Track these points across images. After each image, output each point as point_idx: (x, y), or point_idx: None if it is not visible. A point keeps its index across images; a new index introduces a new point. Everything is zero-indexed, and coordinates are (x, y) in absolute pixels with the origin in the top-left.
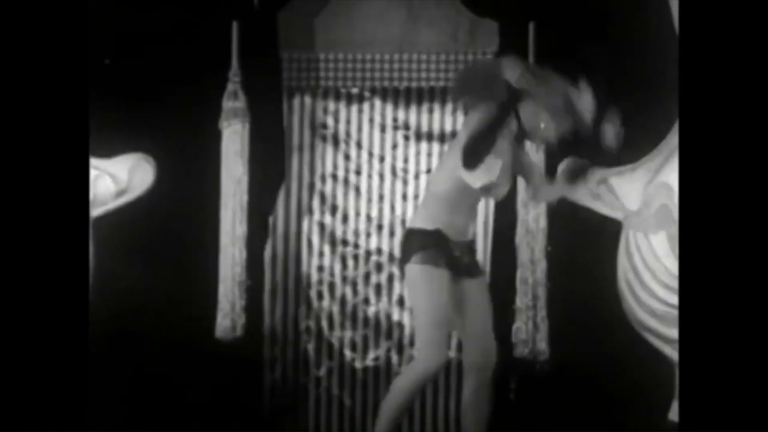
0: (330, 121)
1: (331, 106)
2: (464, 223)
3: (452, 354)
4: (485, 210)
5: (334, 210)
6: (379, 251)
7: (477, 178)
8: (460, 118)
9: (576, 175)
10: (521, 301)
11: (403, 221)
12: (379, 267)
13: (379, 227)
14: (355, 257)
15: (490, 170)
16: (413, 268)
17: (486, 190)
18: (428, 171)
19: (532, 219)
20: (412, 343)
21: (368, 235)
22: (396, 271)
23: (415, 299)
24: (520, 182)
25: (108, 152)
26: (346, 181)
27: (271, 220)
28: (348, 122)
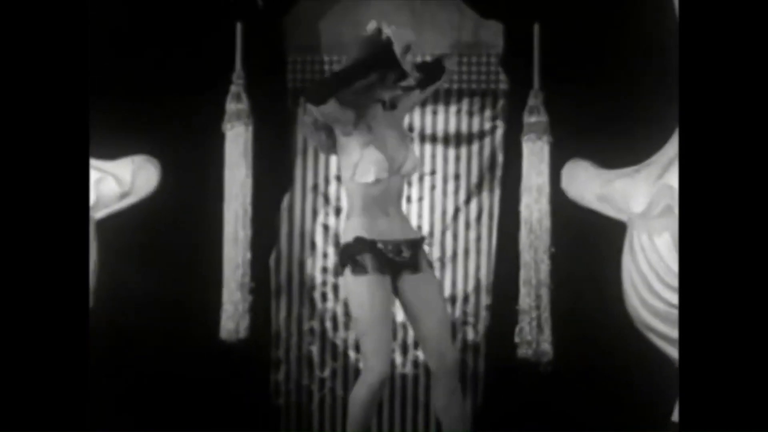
0: None
1: None
2: (388, 225)
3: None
4: (489, 211)
5: (338, 211)
6: None
7: (365, 175)
8: (465, 119)
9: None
10: (524, 302)
11: None
12: None
13: None
14: None
15: (374, 164)
16: (345, 280)
17: (381, 181)
18: (433, 173)
19: (536, 220)
20: (416, 345)
21: None
22: None
23: (353, 310)
24: (524, 182)
25: (112, 154)
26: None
27: (275, 221)
28: None
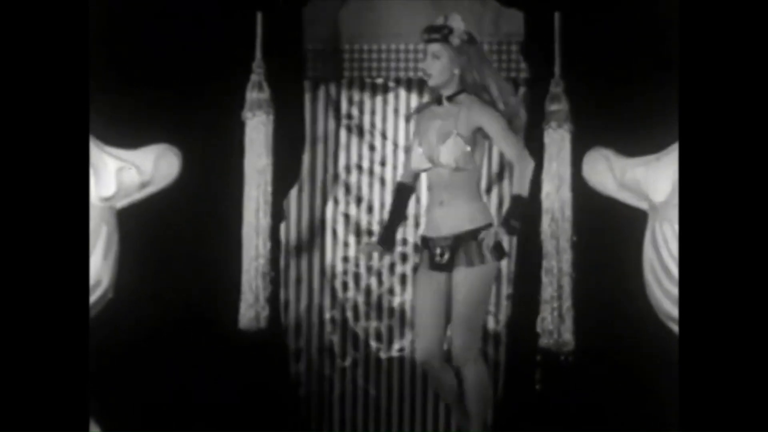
0: (355, 111)
1: (356, 96)
2: (441, 216)
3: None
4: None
5: (359, 201)
6: (404, 241)
7: (412, 166)
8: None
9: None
10: (546, 291)
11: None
12: (404, 257)
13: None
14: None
15: (414, 155)
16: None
17: (429, 172)
18: None
19: (558, 209)
20: None
21: None
22: None
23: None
24: (545, 170)
25: (133, 143)
26: (371, 171)
27: (293, 210)
28: (373, 113)
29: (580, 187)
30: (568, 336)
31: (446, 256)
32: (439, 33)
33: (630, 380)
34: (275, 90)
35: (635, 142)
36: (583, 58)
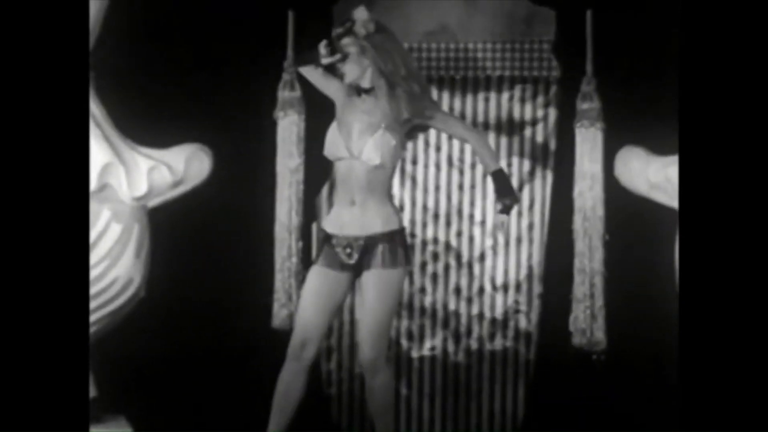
0: None
1: None
2: (350, 216)
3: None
4: (542, 198)
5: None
6: (435, 241)
7: (325, 149)
8: (517, 106)
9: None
10: (578, 290)
11: (459, 211)
12: (435, 257)
13: (435, 217)
14: (411, 247)
15: (329, 141)
16: None
17: (343, 163)
18: None
19: (590, 208)
20: (468, 333)
21: (424, 225)
22: (452, 261)
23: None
24: (577, 169)
25: (164, 143)
26: (402, 170)
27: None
28: None
29: (612, 186)
30: (600, 335)
31: (355, 257)
32: (343, 27)
33: (662, 379)
34: (307, 89)
35: (667, 141)
36: (615, 56)
